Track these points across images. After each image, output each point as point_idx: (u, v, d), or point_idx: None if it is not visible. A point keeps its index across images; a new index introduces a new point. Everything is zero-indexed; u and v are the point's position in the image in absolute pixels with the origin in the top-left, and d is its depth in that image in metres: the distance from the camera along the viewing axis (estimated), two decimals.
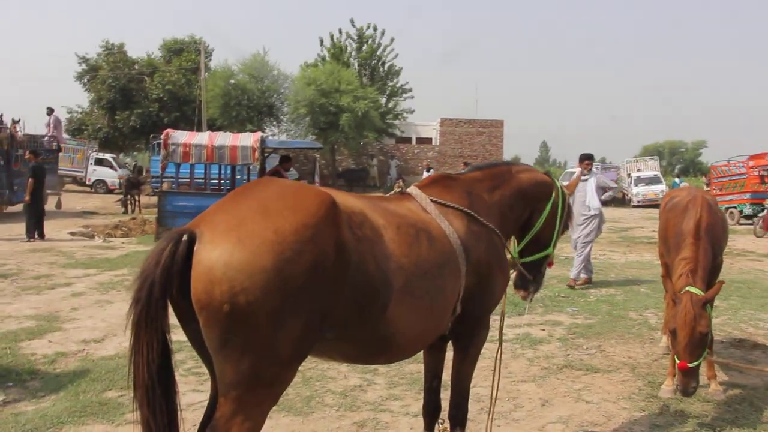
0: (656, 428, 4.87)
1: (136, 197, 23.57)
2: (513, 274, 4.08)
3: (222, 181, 15.74)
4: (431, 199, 3.41)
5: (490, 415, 4.13)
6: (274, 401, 2.65)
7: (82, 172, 33.69)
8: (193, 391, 5.34)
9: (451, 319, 3.36)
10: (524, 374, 5.99)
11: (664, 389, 5.57)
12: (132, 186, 23.33)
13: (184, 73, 40.39)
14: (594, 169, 10.92)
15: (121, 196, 24.06)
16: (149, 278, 2.43)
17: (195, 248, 2.42)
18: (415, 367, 6.03)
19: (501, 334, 4.12)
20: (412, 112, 44.84)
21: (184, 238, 2.46)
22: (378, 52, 43.34)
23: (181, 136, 12.78)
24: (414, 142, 47.82)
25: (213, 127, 36.41)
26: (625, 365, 6.37)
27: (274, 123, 41.46)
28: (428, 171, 21.92)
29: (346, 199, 2.88)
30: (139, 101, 39.62)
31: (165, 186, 20.89)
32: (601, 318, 8.29)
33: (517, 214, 3.95)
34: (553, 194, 4.08)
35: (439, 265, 3.12)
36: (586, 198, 10.64)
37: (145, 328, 2.44)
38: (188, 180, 15.32)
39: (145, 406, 2.49)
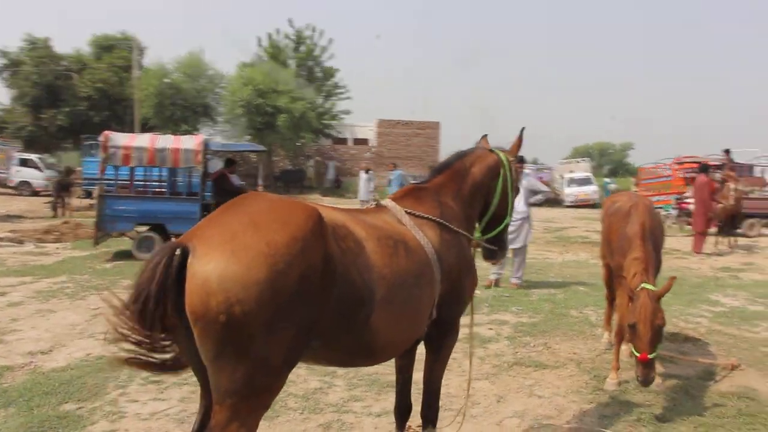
0: (605, 418, 5.16)
1: (66, 200, 22.76)
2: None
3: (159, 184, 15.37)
4: (406, 211, 3.56)
5: (465, 406, 4.34)
6: (267, 407, 2.74)
7: (5, 173, 32.27)
8: (155, 400, 5.32)
9: (427, 323, 3.52)
10: (477, 372, 6.20)
11: (609, 382, 5.89)
12: (62, 188, 22.51)
13: (115, 70, 39.33)
14: (526, 172, 10.98)
15: (50, 199, 23.20)
16: (143, 292, 2.49)
17: (189, 262, 2.49)
18: (372, 369, 6.17)
19: (472, 332, 4.31)
20: (348, 113, 45.04)
21: (177, 252, 2.52)
22: (315, 53, 43.29)
23: (120, 138, 12.48)
24: (351, 143, 47.98)
25: (146, 126, 35.65)
26: (571, 361, 6.68)
27: (210, 123, 40.90)
28: (367, 173, 21.97)
29: (330, 213, 3.00)
30: (67, 99, 38.35)
31: (99, 189, 20.54)
32: (544, 316, 8.62)
33: (477, 207, 4.15)
34: (501, 170, 4.22)
35: (417, 274, 3.28)
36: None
37: (141, 339, 2.52)
38: (127, 183, 14.92)
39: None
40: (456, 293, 3.66)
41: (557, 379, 6.13)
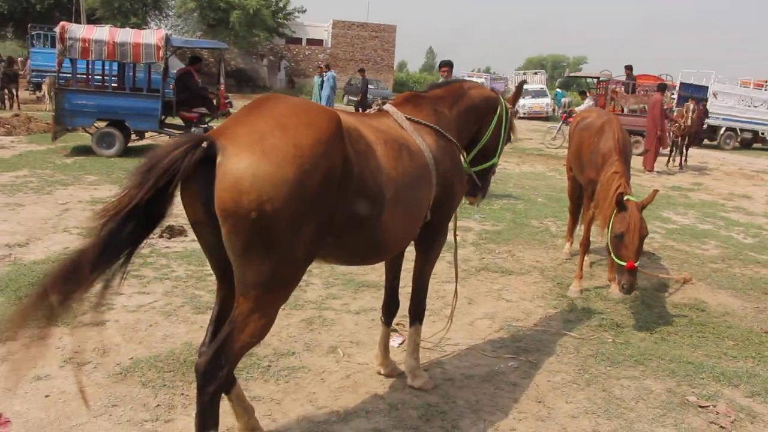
0: (569, 323, 5.55)
1: (14, 92, 21.80)
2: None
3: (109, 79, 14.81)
4: (406, 117, 3.67)
5: (454, 304, 4.64)
6: (286, 299, 2.91)
7: None
8: (139, 294, 5.44)
9: (421, 225, 3.71)
10: (447, 276, 6.49)
11: (572, 290, 6.27)
12: (9, 80, 21.50)
13: None
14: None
15: None
16: (158, 163, 2.49)
17: (219, 160, 2.56)
18: (346, 269, 6.40)
19: (456, 237, 4.52)
20: (303, 11, 43.69)
21: (204, 144, 2.57)
22: None
23: (78, 30, 11.92)
24: (305, 43, 46.78)
25: (93, 18, 33.93)
26: (534, 268, 7.04)
27: (160, 17, 39.15)
28: (328, 70, 21.18)
29: (345, 117, 3.09)
30: None
31: (49, 82, 19.67)
32: (506, 225, 8.96)
33: (469, 127, 4.28)
34: (498, 109, 4.40)
35: (418, 176, 3.44)
36: None
37: (132, 204, 2.47)
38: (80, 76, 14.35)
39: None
40: (448, 197, 3.85)
41: (523, 284, 6.49)
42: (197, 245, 6.70)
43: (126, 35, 12.24)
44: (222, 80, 14.34)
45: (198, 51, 16.62)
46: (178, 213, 8.43)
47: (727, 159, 20.91)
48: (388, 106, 3.78)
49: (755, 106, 26.52)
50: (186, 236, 7.18)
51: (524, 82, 4.70)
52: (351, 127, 3.04)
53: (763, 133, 27.17)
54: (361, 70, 21.16)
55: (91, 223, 2.54)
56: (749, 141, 27.36)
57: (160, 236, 7.08)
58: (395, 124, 3.60)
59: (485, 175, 4.52)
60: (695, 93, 22.91)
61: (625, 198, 5.39)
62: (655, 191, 5.60)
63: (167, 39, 12.47)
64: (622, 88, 20.65)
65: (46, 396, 3.76)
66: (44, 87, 21.41)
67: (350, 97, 33.40)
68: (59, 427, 3.47)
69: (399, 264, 4.22)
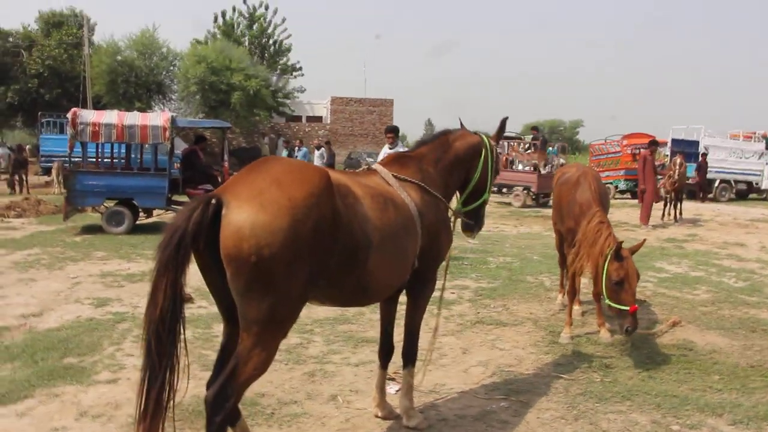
0: (559, 366, 5.79)
1: (24, 177, 22.57)
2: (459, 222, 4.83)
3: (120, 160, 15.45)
4: (393, 175, 4.08)
5: (429, 355, 4.87)
6: (284, 335, 3.24)
7: None
8: None
9: (410, 272, 4.05)
10: (443, 329, 6.73)
11: (563, 336, 6.52)
12: (19, 166, 22.33)
13: (65, 47, 38.53)
14: (399, 144, 10.40)
15: (7, 176, 22.95)
16: (180, 229, 2.94)
17: (223, 213, 2.96)
18: (346, 327, 6.72)
19: (443, 291, 4.85)
20: (302, 90, 45.16)
21: (213, 201, 2.98)
22: (269, 31, 43.19)
23: (89, 115, 12.62)
24: (305, 120, 48.05)
25: (98, 104, 35.14)
26: (528, 319, 7.31)
27: (163, 101, 40.45)
28: (319, 149, 21.85)
29: (335, 175, 3.51)
30: (16, 77, 37.47)
31: (57, 166, 20.38)
32: (502, 282, 9.26)
33: (456, 177, 4.65)
34: (483, 151, 4.74)
35: (403, 226, 3.82)
36: None
37: (169, 270, 2.95)
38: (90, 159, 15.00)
39: (153, 345, 3.00)
40: (434, 246, 4.21)
41: (516, 334, 6.75)
42: (203, 311, 7.10)
43: (133, 118, 12.90)
44: (226, 158, 14.93)
45: (202, 131, 17.29)
46: (186, 282, 8.74)
47: (722, 210, 21.25)
48: (375, 165, 4.20)
49: (746, 158, 27.11)
50: (193, 303, 7.49)
51: (506, 118, 5.06)
52: (341, 183, 3.44)
53: (757, 183, 27.65)
54: (327, 143, 21.91)
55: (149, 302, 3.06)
56: (744, 192, 27.81)
57: None
58: (382, 180, 4.00)
59: (479, 211, 4.87)
60: (686, 148, 23.53)
61: (621, 248, 5.71)
62: (644, 240, 6.02)
63: (173, 120, 13.12)
64: (521, 146, 23.25)
65: None
66: (53, 171, 22.14)
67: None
68: None
69: (393, 310, 4.54)
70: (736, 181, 27.27)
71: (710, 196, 25.99)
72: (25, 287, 8.10)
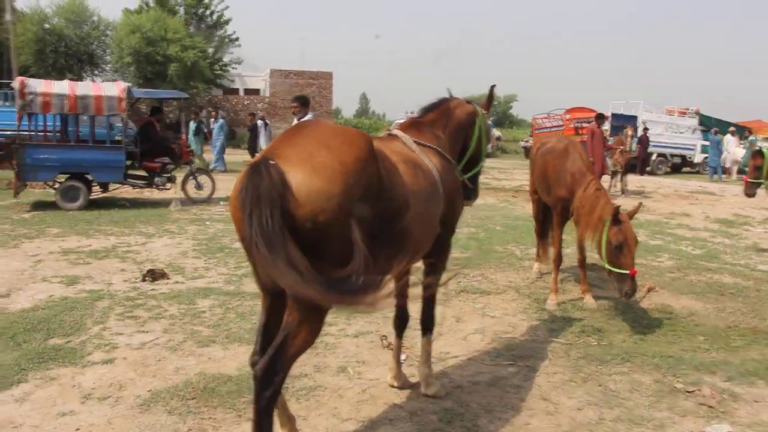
0: (554, 332, 5.89)
1: None
2: None
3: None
4: (414, 140, 3.99)
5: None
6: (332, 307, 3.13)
7: None
8: (139, 332, 5.49)
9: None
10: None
11: (549, 303, 6.63)
12: None
13: None
14: (309, 114, 10.07)
15: None
16: (253, 187, 2.72)
17: None
18: None
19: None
20: (240, 62, 44.01)
21: (271, 162, 2.80)
22: (205, 1, 41.84)
23: (38, 85, 11.89)
24: (242, 93, 46.97)
25: (26, 75, 33.32)
26: (509, 288, 7.39)
27: (96, 72, 38.68)
28: (262, 121, 21.54)
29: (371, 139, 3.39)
30: None
31: None
32: (473, 252, 9.32)
33: (459, 143, 4.64)
34: (477, 119, 4.77)
35: (431, 192, 3.75)
36: None
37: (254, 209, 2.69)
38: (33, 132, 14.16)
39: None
40: (452, 212, 4.18)
41: (502, 302, 6.81)
42: (182, 287, 6.90)
43: (86, 88, 12.28)
44: (183, 129, 14.44)
45: (157, 102, 16.64)
46: (155, 258, 8.42)
47: (663, 182, 22.08)
48: (395, 131, 4.10)
49: (681, 132, 28.17)
50: (168, 279, 7.24)
51: (494, 86, 5.05)
52: (377, 147, 3.34)
53: (690, 157, 28.78)
54: (252, 115, 21.59)
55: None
56: (679, 165, 28.93)
57: (143, 280, 7.12)
58: (404, 146, 3.90)
59: (475, 179, 4.88)
60: (626, 122, 24.18)
61: (619, 212, 5.79)
62: (640, 203, 6.13)
63: (129, 90, 12.56)
64: None
65: (77, 430, 3.82)
66: None
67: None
68: None
69: (408, 278, 4.49)
70: (672, 155, 28.31)
71: (647, 169, 26.88)
72: None
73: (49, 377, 4.53)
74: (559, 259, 6.92)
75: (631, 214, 5.90)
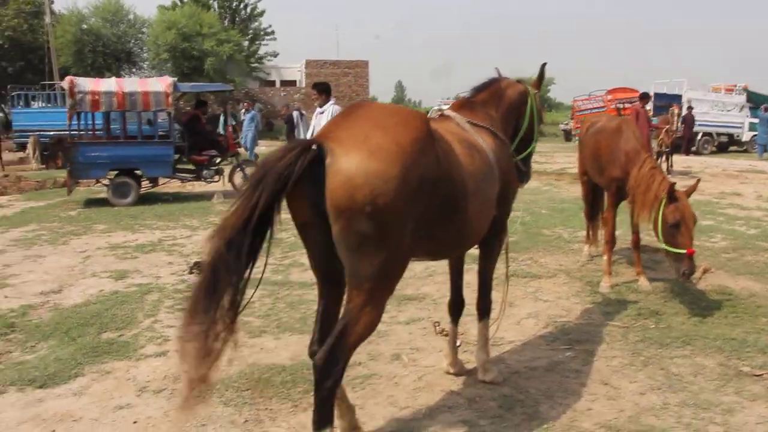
0: (609, 315, 5.72)
1: None
2: None
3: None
4: (467, 120, 3.88)
5: (503, 309, 4.76)
6: (392, 292, 3.05)
7: None
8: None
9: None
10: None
11: (603, 286, 6.45)
12: None
13: (24, 17, 36.96)
14: (332, 101, 9.71)
15: None
16: (273, 168, 2.66)
17: (328, 161, 2.72)
18: None
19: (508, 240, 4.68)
20: (276, 55, 44.25)
21: (314, 147, 2.74)
22: None
23: (87, 83, 12.07)
24: (278, 84, 47.24)
25: (66, 76, 33.97)
26: (560, 271, 7.22)
27: (134, 70, 39.33)
28: (297, 112, 21.35)
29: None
30: None
31: (33, 141, 19.66)
32: (520, 236, 9.14)
33: (511, 123, 4.50)
34: (528, 99, 4.62)
35: (487, 172, 3.63)
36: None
37: (251, 210, 2.63)
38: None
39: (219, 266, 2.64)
40: (507, 192, 4.05)
41: (554, 286, 6.66)
42: None
43: (133, 85, 12.46)
44: (230, 122, 14.55)
45: (202, 95, 16.78)
46: (201, 250, 8.46)
47: (709, 162, 21.46)
48: (449, 111, 3.98)
49: (728, 110, 27.36)
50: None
51: (545, 63, 4.85)
52: (434, 128, 3.24)
53: (738, 136, 27.95)
54: (286, 106, 21.44)
55: (211, 242, 2.67)
56: (725, 144, 28.12)
57: (190, 272, 7.15)
58: (458, 127, 3.79)
59: (527, 161, 4.73)
60: (670, 102, 23.54)
61: (676, 189, 5.57)
62: (698, 180, 5.90)
63: (175, 85, 12.67)
64: None
65: (135, 422, 3.83)
66: (29, 146, 21.33)
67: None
68: None
69: (462, 262, 4.40)
70: (718, 134, 27.53)
71: (693, 149, 26.20)
72: (35, 264, 7.76)
73: (104, 371, 4.56)
74: (612, 241, 6.73)
75: (689, 192, 5.67)
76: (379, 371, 4.49)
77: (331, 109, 9.38)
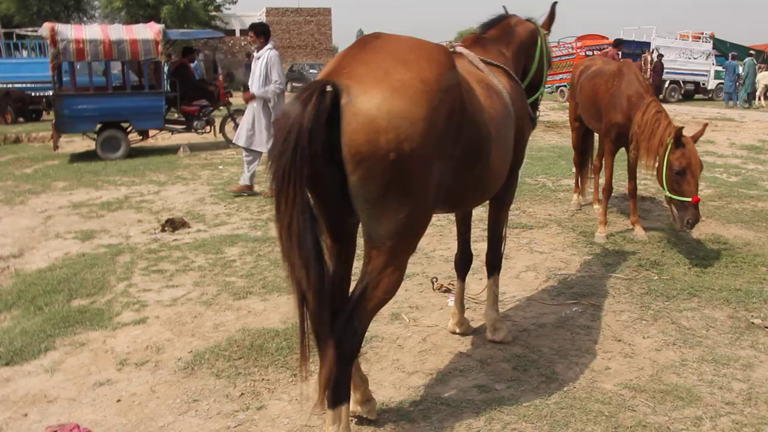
0: (609, 266, 5.51)
1: None
2: None
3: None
4: (480, 59, 3.49)
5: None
6: (414, 250, 2.72)
7: None
8: (168, 288, 5.11)
9: None
10: (476, 236, 6.34)
11: (598, 236, 6.23)
12: None
13: None
14: (270, 45, 8.36)
15: None
16: (294, 127, 2.28)
17: (344, 102, 2.34)
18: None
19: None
20: (234, 1, 42.72)
21: (329, 88, 2.34)
22: None
23: (68, 31, 11.17)
24: (238, 33, 45.76)
25: (10, 25, 32.28)
26: (551, 221, 6.98)
27: (85, 19, 37.49)
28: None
29: None
30: None
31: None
32: None
33: (520, 65, 4.12)
34: (539, 40, 4.24)
35: (505, 115, 3.29)
36: (253, 81, 8.25)
37: (291, 183, 2.30)
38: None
39: (297, 268, 2.39)
40: (522, 137, 3.72)
41: (548, 237, 6.41)
42: (206, 235, 6.49)
43: (119, 32, 11.64)
44: (220, 70, 13.88)
45: (189, 42, 15.94)
46: (171, 206, 8.01)
47: (679, 110, 21.34)
48: (461, 48, 3.57)
49: (695, 58, 27.24)
50: (189, 227, 6.84)
51: (555, 2, 4.46)
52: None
53: (704, 84, 27.97)
54: (248, 55, 20.57)
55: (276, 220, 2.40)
56: (691, 92, 28.12)
57: (163, 230, 6.72)
58: (472, 65, 3.41)
59: (535, 105, 4.37)
60: (638, 49, 23.35)
61: (682, 134, 5.27)
62: (705, 124, 5.63)
63: (164, 33, 11.92)
64: None
65: (118, 400, 3.45)
66: None
67: (293, 84, 32.74)
68: (146, 429, 3.18)
69: (470, 214, 4.10)
70: (685, 82, 27.48)
71: (660, 96, 26.09)
72: None
73: (78, 342, 4.16)
74: (609, 189, 6.48)
75: (696, 137, 5.39)
76: (379, 333, 4.19)
77: (267, 54, 8.17)
